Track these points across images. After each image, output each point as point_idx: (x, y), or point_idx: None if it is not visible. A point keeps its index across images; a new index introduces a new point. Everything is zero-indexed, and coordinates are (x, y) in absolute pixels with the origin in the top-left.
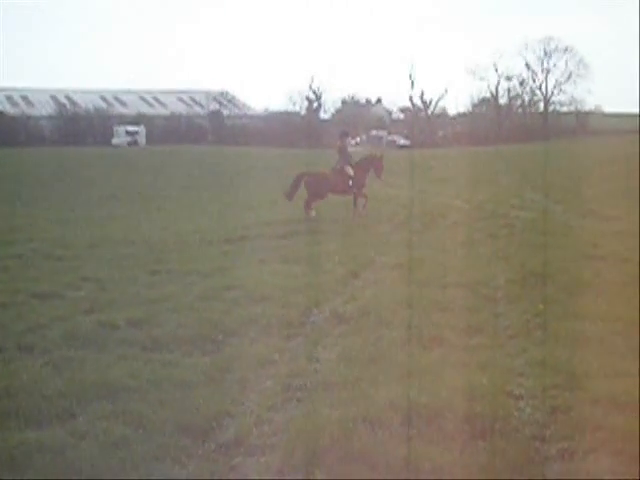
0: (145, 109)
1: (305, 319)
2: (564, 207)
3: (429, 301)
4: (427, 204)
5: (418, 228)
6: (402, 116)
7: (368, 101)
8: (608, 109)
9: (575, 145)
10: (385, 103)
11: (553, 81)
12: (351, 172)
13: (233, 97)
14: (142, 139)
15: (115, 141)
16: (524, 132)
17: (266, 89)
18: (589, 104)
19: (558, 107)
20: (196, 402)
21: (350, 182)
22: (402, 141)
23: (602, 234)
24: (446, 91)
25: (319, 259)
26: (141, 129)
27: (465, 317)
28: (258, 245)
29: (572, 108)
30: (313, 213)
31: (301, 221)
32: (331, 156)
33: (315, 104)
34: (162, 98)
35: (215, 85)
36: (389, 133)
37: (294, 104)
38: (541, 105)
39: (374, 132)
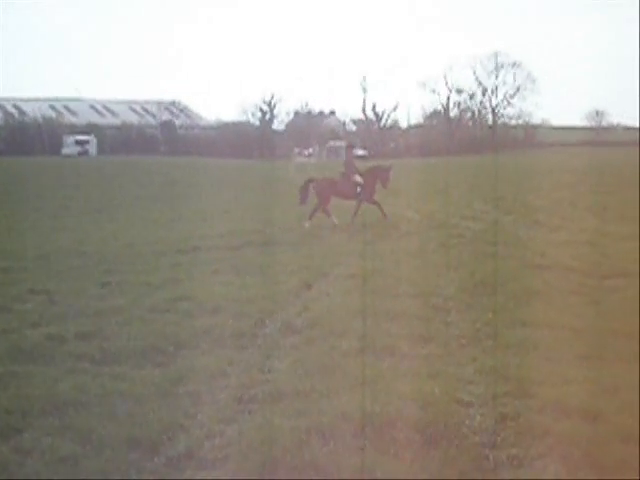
0: (96, 118)
1: (257, 330)
2: (513, 217)
3: (381, 311)
4: (381, 215)
5: (372, 239)
6: (355, 128)
7: (321, 112)
8: (555, 122)
9: (523, 157)
10: (338, 114)
11: (502, 95)
12: (360, 180)
13: (185, 107)
14: (93, 149)
15: (65, 151)
16: (474, 144)
17: (219, 99)
18: (537, 117)
19: (507, 120)
20: (146, 415)
21: (358, 189)
22: (360, 152)
23: (549, 244)
24: (398, 103)
25: (273, 270)
26: (92, 139)
27: (416, 326)
28: (211, 256)
29: (520, 121)
30: (334, 220)
31: (255, 232)
32: (285, 167)
33: (268, 115)
34: (113, 107)
35: (167, 95)
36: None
37: (247, 115)
38: (491, 118)
39: (332, 143)
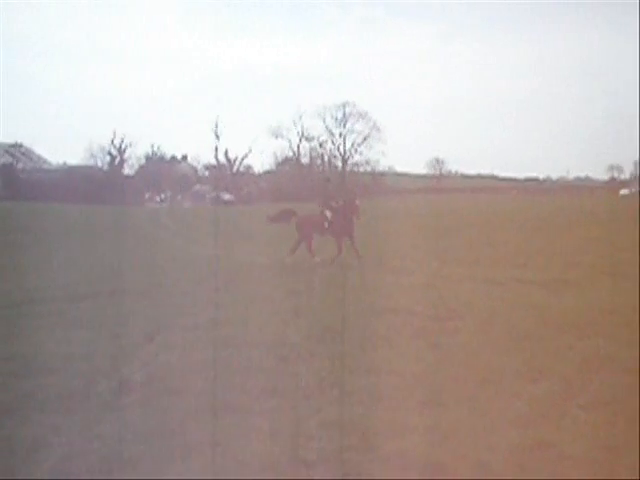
0: None
1: (90, 391)
2: (362, 262)
3: (225, 363)
4: (234, 262)
5: (223, 286)
6: (207, 173)
7: (174, 158)
8: (399, 169)
9: (370, 203)
10: (190, 160)
11: (350, 143)
12: (329, 215)
13: (28, 149)
14: None
15: None
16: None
17: (66, 142)
18: (383, 165)
19: (356, 167)
20: None
21: (326, 224)
22: (227, 197)
23: (395, 287)
24: (250, 149)
25: (115, 322)
26: None
27: (260, 379)
28: (46, 309)
29: (368, 168)
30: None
31: (101, 281)
32: (135, 214)
33: (118, 159)
34: None
35: (8, 137)
36: (214, 188)
37: (95, 159)
38: (341, 165)
39: (197, 187)
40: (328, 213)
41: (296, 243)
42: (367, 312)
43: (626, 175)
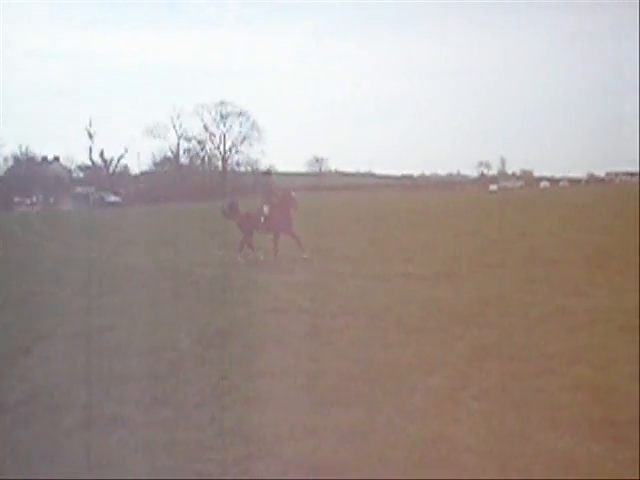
0: None
1: None
2: (247, 261)
3: (111, 373)
4: (112, 266)
5: (101, 291)
6: (82, 175)
7: (45, 159)
8: (280, 169)
9: (252, 202)
10: (63, 161)
11: (230, 142)
12: (266, 210)
13: None
14: None
15: None
16: (205, 190)
17: None
18: (263, 164)
19: (236, 167)
20: None
21: (262, 219)
22: (112, 198)
23: (283, 285)
24: (127, 149)
25: None
26: None
27: (149, 388)
28: None
29: (249, 168)
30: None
31: None
32: (4, 218)
33: None
34: None
35: None
36: (97, 190)
37: None
38: (221, 165)
39: (79, 189)
40: (266, 208)
41: (242, 241)
42: (257, 313)
43: (494, 171)
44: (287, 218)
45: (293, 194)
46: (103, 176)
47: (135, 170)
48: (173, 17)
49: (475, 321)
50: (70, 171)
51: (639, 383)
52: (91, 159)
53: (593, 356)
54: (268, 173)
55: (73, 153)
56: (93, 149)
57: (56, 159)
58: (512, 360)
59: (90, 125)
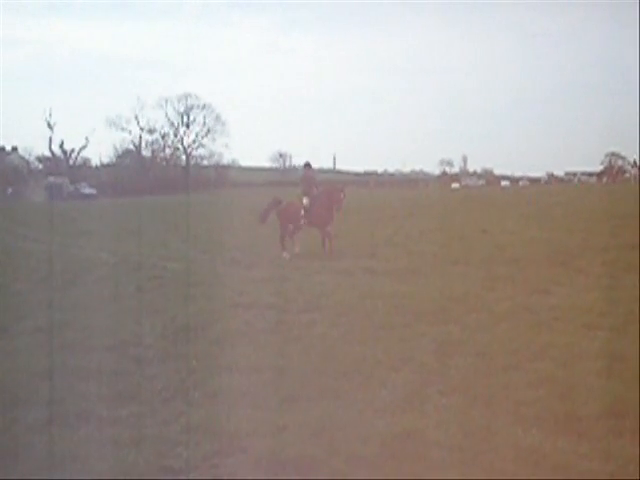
0: None
1: None
2: (209, 256)
3: (74, 369)
4: (72, 259)
5: (61, 285)
6: (41, 166)
7: (2, 149)
8: (243, 163)
9: (215, 197)
10: (21, 151)
11: (193, 136)
12: (306, 203)
13: None
14: None
15: None
16: (168, 184)
17: None
18: (227, 158)
19: (199, 160)
20: None
21: (302, 212)
22: (88, 190)
23: (247, 282)
24: (87, 140)
25: None
26: None
27: (113, 384)
28: None
29: (212, 162)
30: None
31: None
32: None
33: None
34: None
35: None
36: (72, 181)
37: None
38: (183, 158)
39: (52, 179)
40: (306, 200)
41: (281, 235)
42: (223, 308)
43: (456, 169)
44: (329, 213)
45: (342, 194)
46: (63, 168)
47: (96, 162)
48: (136, 7)
49: (440, 317)
50: (28, 162)
51: (601, 379)
52: (51, 150)
53: (556, 352)
54: (309, 165)
55: (32, 144)
56: (53, 140)
57: (14, 149)
58: (477, 356)
59: (50, 115)
